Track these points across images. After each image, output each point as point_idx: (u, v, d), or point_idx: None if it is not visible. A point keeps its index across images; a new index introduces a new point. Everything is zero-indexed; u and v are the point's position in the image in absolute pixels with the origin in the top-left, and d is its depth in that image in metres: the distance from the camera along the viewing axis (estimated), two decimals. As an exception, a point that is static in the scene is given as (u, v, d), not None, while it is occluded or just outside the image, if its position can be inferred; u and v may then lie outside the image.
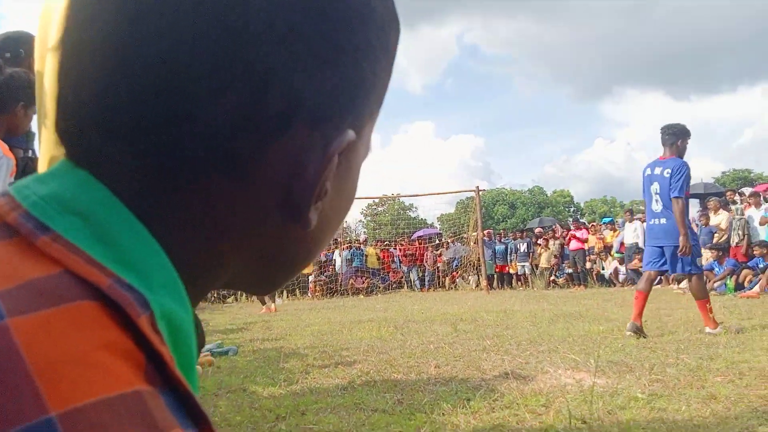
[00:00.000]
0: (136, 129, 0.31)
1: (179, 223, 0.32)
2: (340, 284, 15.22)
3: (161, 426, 0.24)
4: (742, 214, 10.33)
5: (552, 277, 14.38)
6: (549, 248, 14.89)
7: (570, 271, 13.91)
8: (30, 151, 2.50)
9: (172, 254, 0.31)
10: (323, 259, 16.06)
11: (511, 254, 15.64)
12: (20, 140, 2.65)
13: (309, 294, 15.05)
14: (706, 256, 10.39)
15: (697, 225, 11.69)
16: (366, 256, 16.39)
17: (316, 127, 0.33)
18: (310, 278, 15.37)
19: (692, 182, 16.76)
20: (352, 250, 16.55)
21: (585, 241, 13.84)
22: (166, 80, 0.30)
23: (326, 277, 15.49)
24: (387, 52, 0.37)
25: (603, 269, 13.68)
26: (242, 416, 2.65)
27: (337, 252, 16.30)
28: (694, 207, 14.59)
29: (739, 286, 9.26)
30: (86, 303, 0.26)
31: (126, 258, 0.29)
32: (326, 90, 0.33)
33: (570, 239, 14.23)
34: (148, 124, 0.30)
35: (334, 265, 16.05)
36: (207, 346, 4.49)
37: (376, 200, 45.37)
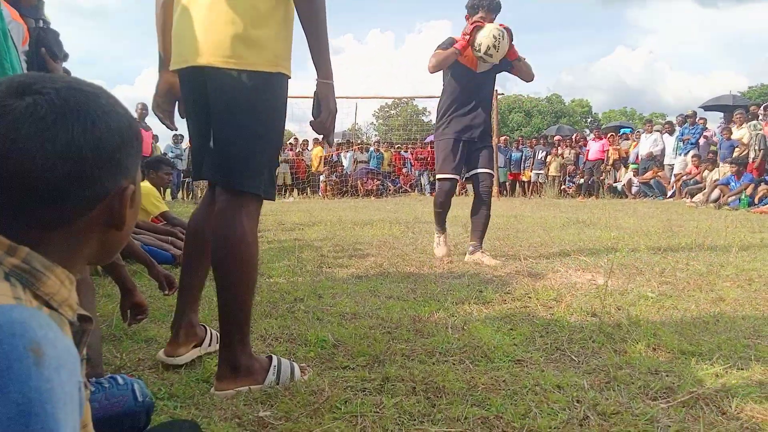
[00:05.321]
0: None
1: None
2: (350, 185, 15.29)
3: None
4: (759, 129, 10.05)
5: (563, 186, 14.35)
6: (563, 157, 14.73)
7: (581, 181, 13.83)
8: (41, 21, 2.41)
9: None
10: (334, 159, 16.04)
11: (526, 162, 15.51)
12: (30, 11, 2.55)
13: (320, 193, 15.18)
14: (724, 171, 10.25)
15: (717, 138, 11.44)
16: (383, 158, 16.37)
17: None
18: (321, 177, 15.44)
19: (719, 94, 16.14)
20: (370, 151, 16.48)
21: (606, 151, 13.65)
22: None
23: (336, 177, 15.54)
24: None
25: (616, 181, 13.58)
26: (261, 296, 2.74)
27: (342, 153, 16.24)
28: (715, 121, 14.22)
29: (753, 201, 9.20)
30: None
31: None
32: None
33: (588, 149, 14.04)
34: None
35: (342, 166, 16.05)
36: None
37: (389, 102, 44.47)
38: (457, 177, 4.03)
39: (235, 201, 1.59)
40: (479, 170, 3.97)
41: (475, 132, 3.94)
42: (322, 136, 1.72)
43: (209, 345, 1.90)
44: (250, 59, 1.54)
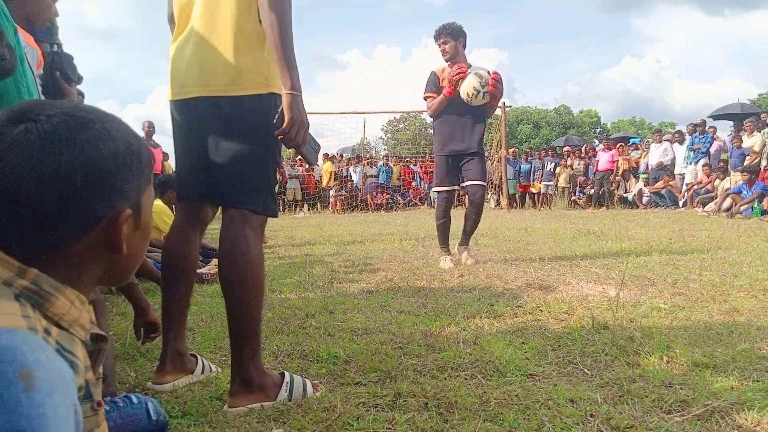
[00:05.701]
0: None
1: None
2: (360, 200, 15.33)
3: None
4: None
5: (573, 198, 14.29)
6: (572, 168, 14.68)
7: (592, 192, 13.77)
8: (55, 46, 2.46)
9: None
10: (344, 174, 16.11)
11: (535, 173, 15.47)
12: (45, 34, 2.60)
13: (330, 208, 15.23)
14: (736, 179, 10.17)
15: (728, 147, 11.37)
16: (392, 172, 16.42)
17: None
18: (331, 192, 15.50)
19: (728, 102, 15.95)
20: (379, 165, 16.54)
21: (615, 161, 13.59)
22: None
23: (346, 191, 15.59)
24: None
25: (626, 191, 13.51)
26: (273, 313, 2.75)
27: (351, 168, 16.30)
28: (725, 130, 14.12)
29: (765, 211, 9.09)
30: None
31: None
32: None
33: (598, 160, 13.99)
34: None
35: (352, 181, 16.11)
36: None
37: (397, 116, 44.62)
38: (451, 188, 4.40)
39: (239, 219, 1.65)
40: (469, 182, 4.30)
41: (461, 144, 4.27)
42: (293, 149, 1.68)
43: (201, 373, 1.88)
44: (243, 85, 1.62)
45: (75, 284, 0.72)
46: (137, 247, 0.79)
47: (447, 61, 4.31)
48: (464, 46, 4.36)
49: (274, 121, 1.60)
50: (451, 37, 4.25)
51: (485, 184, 4.43)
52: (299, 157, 1.78)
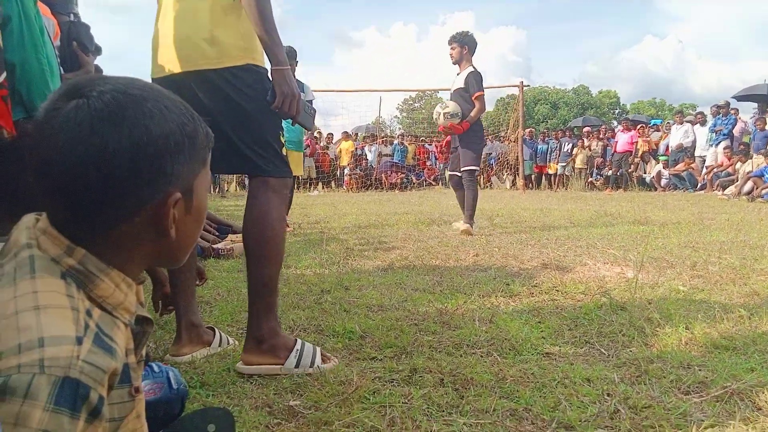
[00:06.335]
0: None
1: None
2: (375, 178, 15.31)
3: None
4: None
5: (590, 179, 14.13)
6: (590, 149, 14.49)
7: (609, 173, 13.60)
8: (72, 15, 2.45)
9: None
10: (359, 152, 16.07)
11: (552, 154, 15.29)
12: (62, 5, 2.60)
13: (344, 186, 15.23)
14: (758, 162, 9.97)
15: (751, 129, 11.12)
16: (407, 152, 16.35)
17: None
18: (346, 171, 15.48)
19: (753, 83, 15.58)
20: (394, 144, 16.48)
21: (635, 143, 13.37)
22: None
23: (361, 170, 15.56)
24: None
25: (645, 173, 13.32)
26: (289, 288, 2.77)
27: (367, 147, 16.25)
28: (748, 112, 13.79)
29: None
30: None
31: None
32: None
33: (617, 141, 13.78)
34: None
35: (367, 160, 16.06)
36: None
37: (413, 95, 44.24)
38: (452, 173, 5.31)
39: (261, 184, 1.73)
40: (454, 172, 5.21)
41: (456, 139, 5.17)
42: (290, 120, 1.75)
43: (219, 346, 1.92)
44: (217, 58, 1.65)
45: (122, 266, 0.71)
46: (188, 232, 0.77)
47: (453, 64, 5.11)
48: (472, 53, 5.08)
49: (268, 98, 1.65)
50: (459, 44, 5.00)
51: (460, 174, 5.09)
52: (296, 125, 1.83)
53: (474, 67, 5.03)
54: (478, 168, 5.06)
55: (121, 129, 0.65)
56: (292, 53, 4.88)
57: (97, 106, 0.65)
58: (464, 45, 4.99)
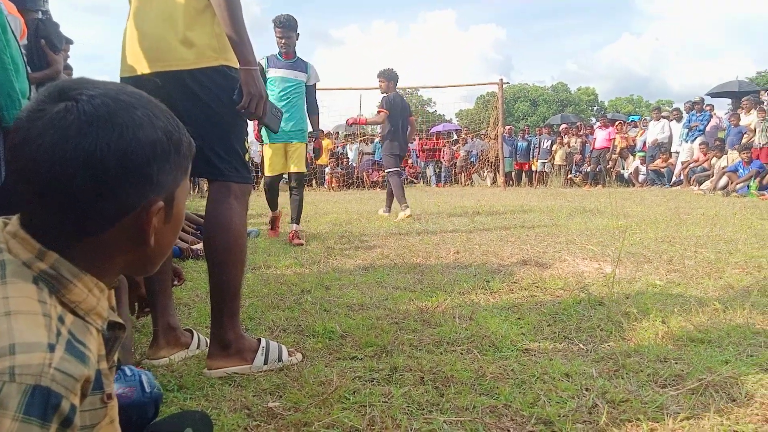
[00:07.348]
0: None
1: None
2: (356, 177, 15.27)
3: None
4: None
5: (570, 176, 14.27)
6: (569, 146, 14.63)
7: (588, 169, 13.75)
8: (40, 13, 2.40)
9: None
10: (339, 151, 16.02)
11: (533, 150, 15.40)
12: (32, 2, 2.54)
13: (326, 185, 15.17)
14: (733, 157, 10.16)
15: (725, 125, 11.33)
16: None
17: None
18: (327, 170, 15.41)
19: (726, 80, 15.82)
20: (375, 143, 16.45)
21: (612, 140, 13.54)
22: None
23: (342, 169, 15.51)
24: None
25: (623, 169, 13.50)
26: (269, 288, 2.75)
27: (348, 146, 16.20)
28: (722, 108, 14.05)
29: (763, 188, 9.11)
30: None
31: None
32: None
33: (595, 138, 13.93)
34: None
35: (348, 158, 16.02)
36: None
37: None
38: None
39: (224, 189, 1.70)
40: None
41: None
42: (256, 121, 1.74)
43: (197, 348, 1.90)
44: (190, 59, 1.62)
45: (96, 272, 0.70)
46: (165, 240, 0.76)
47: (382, 93, 6.47)
48: (395, 83, 6.45)
49: (234, 97, 1.63)
50: (386, 78, 6.33)
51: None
52: (262, 127, 1.83)
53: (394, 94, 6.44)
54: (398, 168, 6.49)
55: (111, 134, 0.64)
56: (291, 24, 4.49)
57: (87, 110, 0.64)
58: (390, 80, 6.39)
